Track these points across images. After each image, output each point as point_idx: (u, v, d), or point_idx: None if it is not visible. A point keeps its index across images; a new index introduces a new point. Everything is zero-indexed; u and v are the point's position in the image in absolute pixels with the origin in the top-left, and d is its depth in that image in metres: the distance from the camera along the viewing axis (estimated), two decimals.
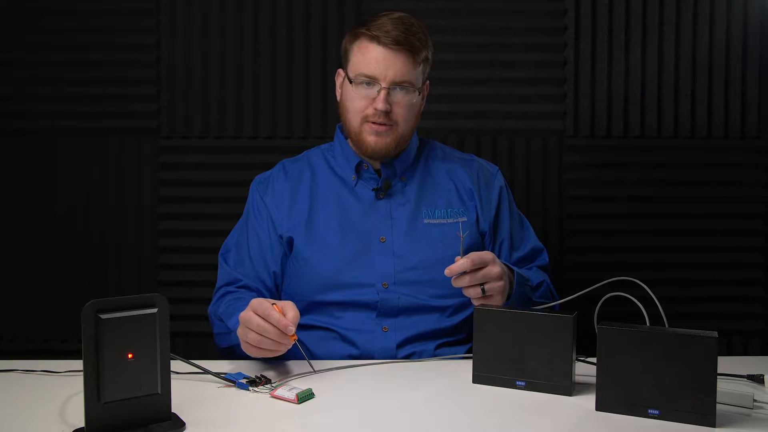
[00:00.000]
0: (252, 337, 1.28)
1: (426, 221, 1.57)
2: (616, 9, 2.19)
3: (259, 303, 1.29)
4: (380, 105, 1.50)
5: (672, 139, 2.21)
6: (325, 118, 2.18)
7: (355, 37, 1.54)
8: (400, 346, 1.51)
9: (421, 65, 1.55)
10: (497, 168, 1.70)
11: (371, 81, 1.51)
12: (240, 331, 1.32)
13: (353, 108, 1.54)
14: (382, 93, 1.50)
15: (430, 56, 1.58)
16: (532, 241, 1.68)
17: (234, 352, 1.46)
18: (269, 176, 1.66)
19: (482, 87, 2.20)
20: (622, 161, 2.21)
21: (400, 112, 1.53)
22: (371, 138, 1.54)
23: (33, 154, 2.19)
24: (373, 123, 1.52)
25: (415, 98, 1.55)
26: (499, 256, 1.61)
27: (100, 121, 2.19)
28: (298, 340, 1.29)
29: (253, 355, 1.33)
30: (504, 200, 1.66)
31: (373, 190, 1.58)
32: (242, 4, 2.18)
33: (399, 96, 1.52)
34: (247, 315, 1.29)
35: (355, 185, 1.60)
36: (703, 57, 2.19)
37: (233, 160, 2.18)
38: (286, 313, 1.27)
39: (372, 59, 1.50)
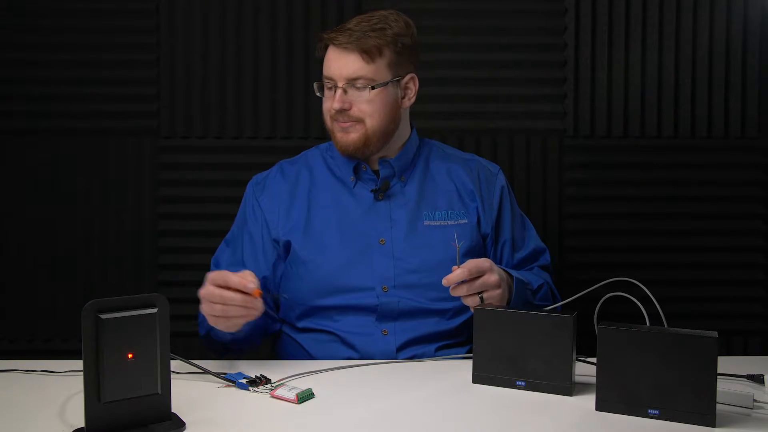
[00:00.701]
0: (218, 309, 1.31)
1: (426, 223, 1.57)
2: (616, 9, 2.19)
3: (215, 274, 1.32)
4: (335, 104, 1.53)
5: (672, 139, 2.21)
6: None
7: (321, 43, 1.58)
8: (400, 349, 1.51)
9: (385, 61, 1.52)
10: (498, 168, 1.70)
11: (330, 82, 1.54)
12: (205, 308, 1.34)
13: (324, 109, 1.58)
14: (337, 92, 1.52)
15: (403, 52, 1.54)
16: (534, 241, 1.67)
17: (212, 339, 1.47)
18: (266, 177, 1.65)
19: (482, 87, 2.20)
20: (622, 161, 2.21)
21: (362, 109, 1.53)
22: (339, 135, 1.56)
23: (33, 154, 2.19)
24: (338, 121, 1.55)
25: (374, 94, 1.52)
26: (501, 258, 1.62)
27: (100, 121, 2.19)
28: (265, 292, 1.30)
29: (224, 329, 1.35)
30: (506, 201, 1.65)
31: (371, 191, 1.58)
32: (242, 4, 2.18)
33: (356, 93, 1.53)
34: (206, 290, 1.31)
35: (354, 186, 1.59)
36: (702, 57, 2.19)
37: (233, 160, 2.18)
38: (244, 276, 1.30)
39: (328, 60, 1.54)
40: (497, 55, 2.20)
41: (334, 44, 1.53)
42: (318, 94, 1.59)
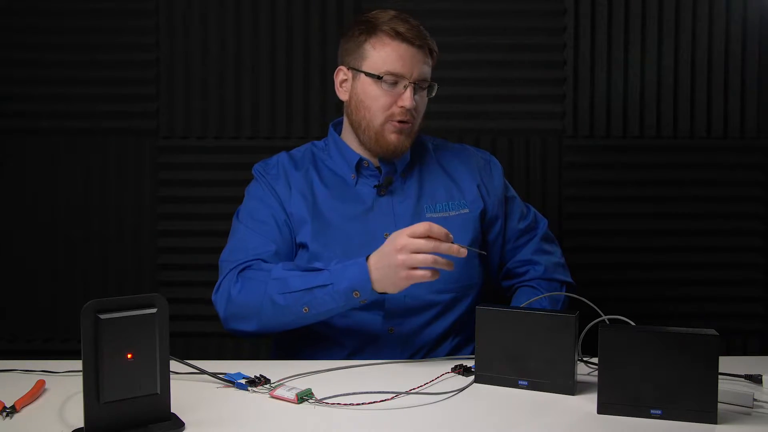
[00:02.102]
0: (420, 258, 1.28)
1: (429, 215, 1.57)
2: (616, 9, 2.19)
3: (419, 225, 1.30)
4: (408, 103, 1.49)
5: (671, 139, 2.21)
6: (324, 119, 2.18)
7: (371, 33, 1.51)
8: (408, 354, 1.52)
9: (432, 61, 1.56)
10: (489, 153, 1.72)
11: (397, 79, 1.50)
12: (401, 259, 1.30)
13: (377, 106, 1.51)
14: (409, 90, 1.49)
15: (436, 53, 1.58)
16: (529, 208, 1.73)
17: (296, 305, 1.40)
18: (276, 164, 1.62)
19: (482, 87, 2.20)
20: (621, 161, 2.21)
21: (418, 110, 1.54)
22: (393, 136, 1.52)
23: (33, 154, 2.19)
24: (398, 122, 1.51)
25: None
26: (514, 233, 1.67)
27: (100, 121, 2.19)
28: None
29: (402, 284, 1.33)
30: (506, 182, 1.70)
31: (375, 186, 1.58)
32: (241, 4, 2.18)
33: (420, 94, 1.53)
34: (400, 238, 1.30)
35: (356, 184, 1.59)
36: (702, 57, 2.19)
37: (232, 160, 2.18)
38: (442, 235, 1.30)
39: (397, 57, 1.49)
40: (497, 55, 2.20)
41: (406, 40, 1.49)
42: (341, 88, 1.56)
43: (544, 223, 1.72)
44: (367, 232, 1.54)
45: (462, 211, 1.59)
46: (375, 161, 1.60)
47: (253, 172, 1.63)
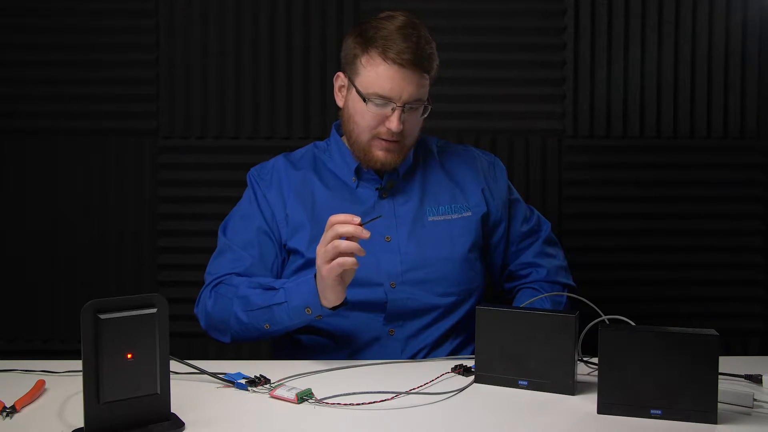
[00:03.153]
0: (344, 246, 1.27)
1: (431, 218, 1.56)
2: (615, 9, 2.19)
3: (335, 216, 1.30)
4: (394, 126, 1.46)
5: (671, 139, 2.21)
6: (324, 119, 2.18)
7: (364, 49, 1.47)
8: (408, 355, 1.51)
9: (431, 76, 1.52)
10: (493, 155, 1.71)
11: (384, 101, 1.46)
12: (319, 263, 1.30)
13: (364, 124, 1.50)
14: (397, 113, 1.46)
15: (437, 64, 1.53)
16: (533, 211, 1.72)
17: (258, 322, 1.43)
18: (271, 170, 1.61)
19: (482, 87, 2.20)
20: (621, 161, 2.21)
21: (409, 128, 1.50)
22: (380, 153, 1.51)
23: (33, 154, 2.19)
24: (384, 140, 1.49)
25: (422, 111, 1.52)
26: (518, 236, 1.66)
27: (100, 121, 2.19)
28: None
29: (333, 277, 1.31)
30: (510, 184, 1.69)
31: (376, 189, 1.57)
32: (241, 4, 2.18)
33: (411, 114, 1.49)
34: (319, 248, 1.30)
35: (357, 187, 1.58)
36: (702, 57, 2.19)
37: (232, 160, 2.18)
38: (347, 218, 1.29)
39: (386, 79, 1.44)
40: (497, 55, 2.20)
41: (396, 63, 1.43)
42: (339, 93, 1.53)
43: (547, 226, 1.71)
44: None
45: (464, 215, 1.59)
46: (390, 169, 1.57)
47: (247, 177, 1.62)
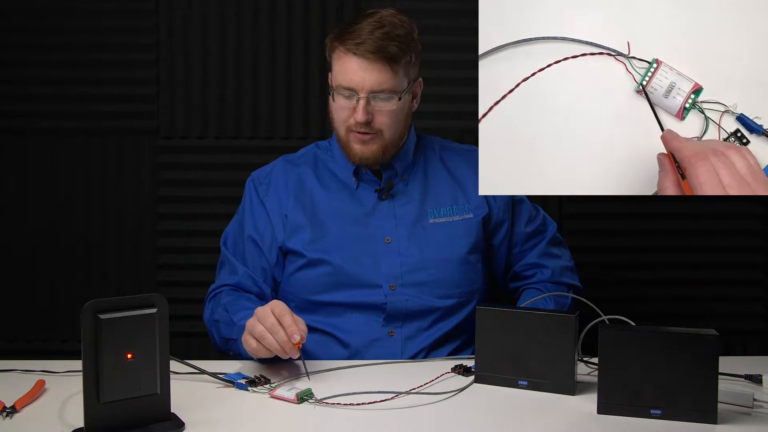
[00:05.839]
0: (259, 330, 1.27)
1: (432, 220, 1.56)
2: None
3: (278, 303, 1.30)
4: (360, 116, 1.47)
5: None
6: (324, 118, 2.18)
7: (334, 45, 1.51)
8: (408, 356, 1.51)
9: (403, 69, 1.50)
10: None
11: (350, 92, 1.48)
12: (250, 322, 1.30)
13: (337, 118, 1.53)
14: (361, 103, 1.47)
15: (414, 57, 1.52)
16: (538, 210, 1.70)
17: (227, 348, 1.48)
18: (270, 174, 1.62)
19: None
20: None
21: (382, 120, 1.50)
22: (357, 146, 1.52)
23: (33, 154, 2.19)
24: (357, 132, 1.50)
25: (398, 104, 1.50)
26: (522, 237, 1.65)
27: (100, 121, 2.19)
28: (301, 353, 1.29)
29: (250, 351, 1.31)
30: None
31: (375, 191, 1.57)
32: (241, 4, 2.18)
33: (379, 104, 1.49)
34: (264, 311, 1.29)
35: (357, 188, 1.58)
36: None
37: (232, 160, 2.18)
38: (299, 324, 1.28)
39: (348, 70, 1.47)
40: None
41: (355, 54, 1.46)
42: (332, 101, 1.54)
43: (553, 227, 1.70)
44: (366, 237, 1.54)
45: (465, 216, 1.58)
46: (373, 165, 1.58)
47: (246, 184, 1.64)
